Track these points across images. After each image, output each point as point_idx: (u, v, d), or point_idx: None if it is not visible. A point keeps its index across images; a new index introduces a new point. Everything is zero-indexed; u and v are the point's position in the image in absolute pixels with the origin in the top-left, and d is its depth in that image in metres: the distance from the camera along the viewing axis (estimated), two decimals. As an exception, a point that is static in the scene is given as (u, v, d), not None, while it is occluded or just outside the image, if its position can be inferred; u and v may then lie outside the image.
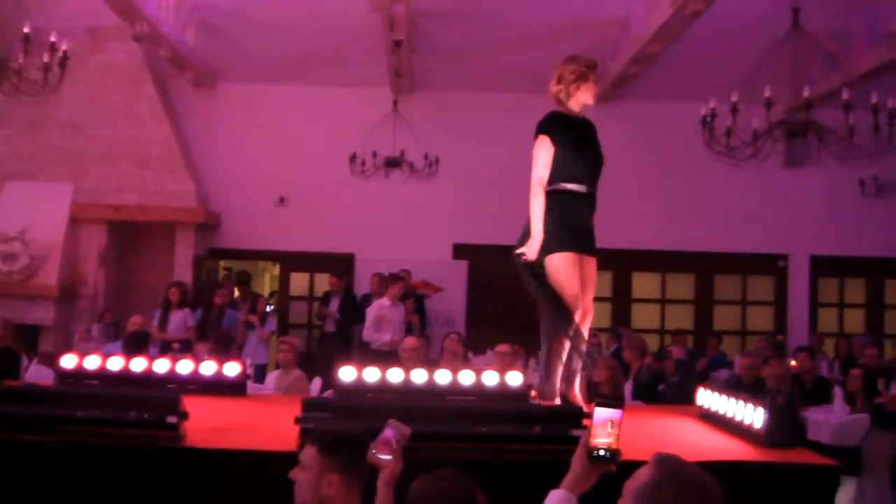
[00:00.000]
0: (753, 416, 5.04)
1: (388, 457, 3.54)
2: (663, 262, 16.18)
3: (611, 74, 13.78)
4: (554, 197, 5.89)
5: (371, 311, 12.43)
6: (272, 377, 9.48)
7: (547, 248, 5.83)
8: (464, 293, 15.45)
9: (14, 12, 10.82)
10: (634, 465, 2.68)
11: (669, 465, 2.62)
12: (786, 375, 9.15)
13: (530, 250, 5.81)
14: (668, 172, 15.48)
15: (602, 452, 3.02)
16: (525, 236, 5.91)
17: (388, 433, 3.59)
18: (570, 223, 5.90)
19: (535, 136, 5.97)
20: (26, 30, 9.21)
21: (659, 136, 15.30)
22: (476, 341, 12.30)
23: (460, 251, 15.70)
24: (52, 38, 9.64)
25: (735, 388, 10.18)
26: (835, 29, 12.25)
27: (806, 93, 8.33)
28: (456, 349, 9.75)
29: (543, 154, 5.91)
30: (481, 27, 13.12)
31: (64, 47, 9.15)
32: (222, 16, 13.65)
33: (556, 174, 5.89)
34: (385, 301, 12.45)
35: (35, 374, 9.64)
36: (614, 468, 3.04)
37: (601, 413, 3.05)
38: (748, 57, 8.77)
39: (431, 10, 12.35)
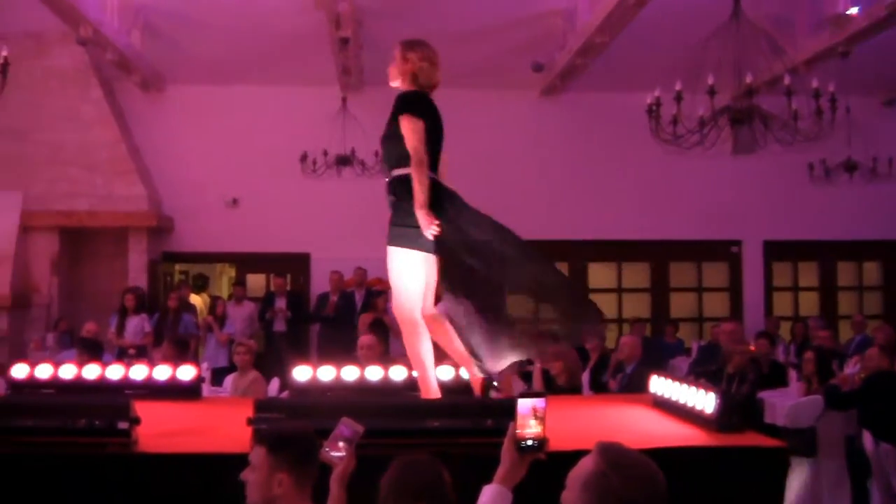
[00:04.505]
0: (705, 401, 5.08)
1: (342, 454, 3.55)
2: (618, 251, 16.29)
3: (558, 66, 13.84)
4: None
5: None
6: (229, 380, 9.45)
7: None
8: (421, 289, 15.41)
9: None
10: (582, 455, 2.70)
11: (613, 453, 2.64)
12: (748, 361, 9.19)
13: (426, 223, 5.25)
14: (620, 163, 15.55)
15: (530, 442, 3.05)
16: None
17: (342, 431, 3.59)
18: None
19: (408, 113, 5.41)
20: (-35, 36, 9.11)
21: (608, 127, 15.35)
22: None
23: (415, 247, 15.65)
24: (-8, 44, 9.53)
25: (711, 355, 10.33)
26: (777, 15, 12.38)
27: (748, 79, 8.41)
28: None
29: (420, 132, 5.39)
30: (426, 23, 13.08)
31: (4, 53, 9.04)
32: (168, 18, 13.53)
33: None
34: None
35: (-12, 385, 9.53)
36: (544, 457, 3.07)
37: (525, 404, 3.08)
38: (692, 45, 8.83)
39: (377, 7, 12.34)
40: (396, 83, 5.63)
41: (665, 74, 9.29)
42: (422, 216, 5.22)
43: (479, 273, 5.40)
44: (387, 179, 5.63)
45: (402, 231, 5.43)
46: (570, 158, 15.45)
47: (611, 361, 10.02)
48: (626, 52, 12.87)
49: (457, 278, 5.42)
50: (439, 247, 5.35)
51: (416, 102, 5.46)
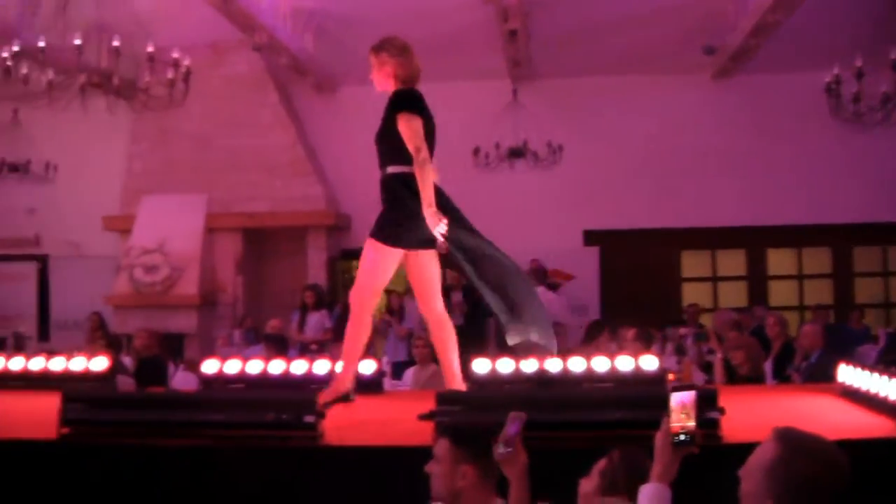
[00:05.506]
0: (899, 390, 4.86)
1: (509, 449, 3.52)
2: (798, 236, 15.78)
3: (729, 48, 13.51)
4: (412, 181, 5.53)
5: None
6: (409, 373, 9.56)
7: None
8: (596, 279, 15.31)
9: (137, 33, 11.18)
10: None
11: (793, 438, 2.59)
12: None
13: (435, 222, 5.37)
14: (797, 144, 15.06)
15: (683, 437, 2.99)
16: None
17: (510, 428, 3.58)
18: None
19: (405, 111, 5.62)
20: (150, 49, 9.52)
21: (784, 108, 14.90)
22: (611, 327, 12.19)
23: (591, 237, 15.56)
24: (175, 55, 9.94)
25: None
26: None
27: (935, 51, 8.05)
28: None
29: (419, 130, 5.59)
30: (594, 10, 12.99)
31: (187, 63, 9.42)
32: (338, 20, 13.80)
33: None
34: None
35: (181, 380, 9.91)
36: (697, 451, 3.01)
37: (676, 398, 3.02)
38: (869, 20, 8.50)
39: (543, -3, 12.32)
40: (385, 88, 5.81)
41: (843, 51, 8.97)
42: (430, 215, 5.32)
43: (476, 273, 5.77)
44: (382, 177, 5.75)
45: (394, 230, 5.64)
46: (744, 142, 15.07)
47: (796, 351, 9.73)
48: (800, 29, 12.44)
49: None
50: (450, 244, 5.47)
51: (412, 99, 5.61)
